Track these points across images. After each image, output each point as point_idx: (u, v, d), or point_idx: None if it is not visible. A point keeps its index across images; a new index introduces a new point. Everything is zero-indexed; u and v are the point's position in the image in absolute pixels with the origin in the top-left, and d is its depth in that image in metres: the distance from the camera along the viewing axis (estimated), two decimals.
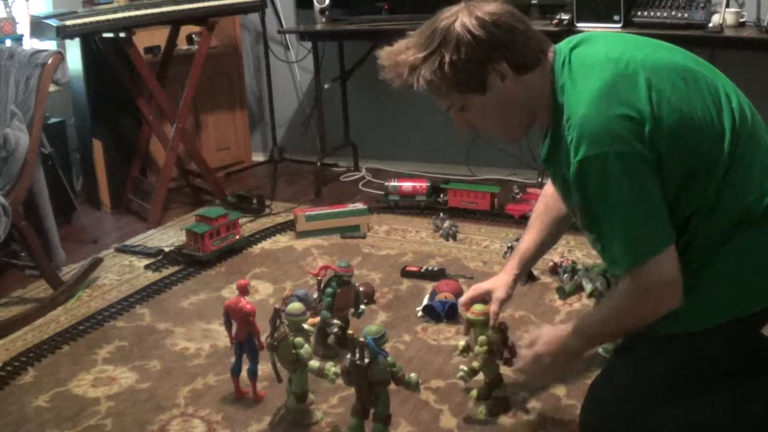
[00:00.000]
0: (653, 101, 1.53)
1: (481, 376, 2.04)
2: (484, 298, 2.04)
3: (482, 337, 1.99)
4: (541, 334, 1.83)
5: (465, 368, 2.01)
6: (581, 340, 1.74)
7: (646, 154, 1.51)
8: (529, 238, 2.05)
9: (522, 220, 3.26)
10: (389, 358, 1.86)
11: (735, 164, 1.56)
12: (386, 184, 3.76)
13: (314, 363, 2.00)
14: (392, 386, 1.89)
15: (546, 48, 1.67)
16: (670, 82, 1.56)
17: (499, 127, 1.74)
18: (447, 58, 1.60)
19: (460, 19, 1.60)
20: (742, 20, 3.21)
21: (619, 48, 1.62)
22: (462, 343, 2.06)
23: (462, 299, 2.09)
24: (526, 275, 2.20)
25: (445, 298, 2.60)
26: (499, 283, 2.04)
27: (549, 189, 2.00)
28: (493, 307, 2.00)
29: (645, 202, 1.53)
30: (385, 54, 1.69)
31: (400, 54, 1.66)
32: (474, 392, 2.07)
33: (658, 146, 1.51)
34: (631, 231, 1.54)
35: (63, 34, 3.30)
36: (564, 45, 1.70)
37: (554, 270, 2.85)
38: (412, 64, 1.63)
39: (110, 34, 3.57)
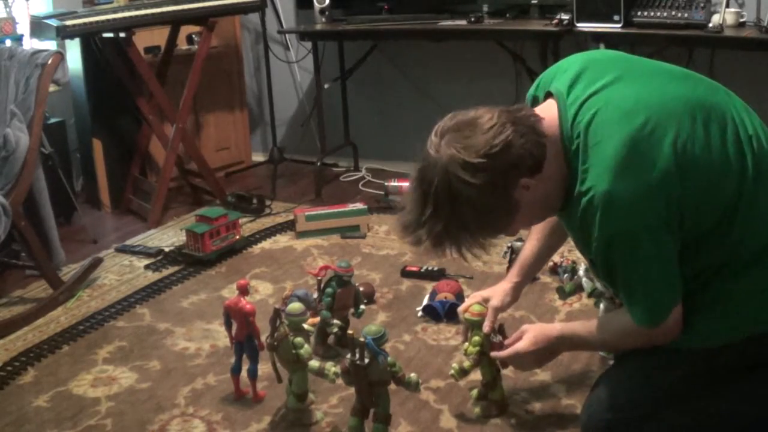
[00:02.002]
0: (678, 160, 1.46)
1: (480, 377, 2.05)
2: (482, 304, 2.03)
3: (476, 338, 1.98)
4: (528, 329, 1.84)
5: (456, 366, 2.02)
6: (566, 347, 1.83)
7: (672, 219, 1.48)
8: (530, 245, 2.03)
9: None
10: (389, 358, 1.85)
11: (758, 193, 1.52)
12: (386, 184, 3.76)
13: (314, 363, 2.00)
14: (392, 386, 1.89)
15: (542, 131, 1.53)
16: (689, 129, 1.49)
17: (531, 224, 1.84)
18: (472, 229, 1.54)
19: (453, 174, 1.47)
20: (742, 20, 3.21)
21: (631, 92, 1.53)
22: (455, 365, 2.04)
23: (461, 307, 2.07)
24: (529, 281, 2.18)
25: (445, 298, 2.60)
26: (497, 290, 2.03)
27: None
28: (488, 315, 1.99)
29: (666, 267, 1.52)
30: (408, 237, 1.59)
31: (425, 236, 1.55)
32: (474, 392, 2.07)
33: (684, 204, 1.48)
34: (652, 296, 1.55)
35: (63, 34, 3.29)
36: (565, 89, 1.59)
37: (554, 270, 2.84)
38: (456, 245, 1.56)
39: (110, 34, 3.57)
